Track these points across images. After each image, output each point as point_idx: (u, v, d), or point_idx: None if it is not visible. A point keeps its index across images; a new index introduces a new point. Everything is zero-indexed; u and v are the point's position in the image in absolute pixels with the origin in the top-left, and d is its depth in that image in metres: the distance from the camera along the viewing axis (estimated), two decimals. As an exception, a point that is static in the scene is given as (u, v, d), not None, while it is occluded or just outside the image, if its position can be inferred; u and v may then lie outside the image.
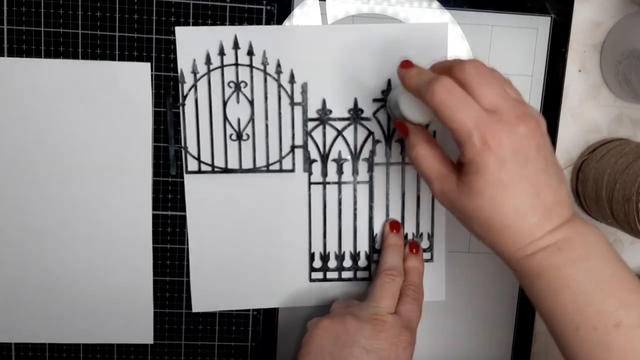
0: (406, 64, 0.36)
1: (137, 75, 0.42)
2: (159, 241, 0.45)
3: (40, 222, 0.44)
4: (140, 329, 0.46)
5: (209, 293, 0.46)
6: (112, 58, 0.42)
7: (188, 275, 0.45)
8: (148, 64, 0.42)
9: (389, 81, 0.44)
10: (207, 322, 0.46)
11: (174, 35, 0.42)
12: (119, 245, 0.44)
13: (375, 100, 0.44)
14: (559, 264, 0.32)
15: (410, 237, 0.46)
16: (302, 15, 0.43)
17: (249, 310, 0.46)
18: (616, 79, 0.44)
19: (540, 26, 0.44)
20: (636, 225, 0.40)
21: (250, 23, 0.43)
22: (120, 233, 0.44)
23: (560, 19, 0.44)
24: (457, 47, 0.44)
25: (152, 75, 0.43)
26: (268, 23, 0.43)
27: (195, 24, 0.42)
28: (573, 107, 0.46)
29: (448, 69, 0.34)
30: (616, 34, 0.44)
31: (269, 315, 0.47)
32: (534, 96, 0.45)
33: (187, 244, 0.45)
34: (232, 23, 0.43)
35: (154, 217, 0.44)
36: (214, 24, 0.42)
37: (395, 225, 0.45)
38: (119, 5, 0.42)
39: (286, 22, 0.43)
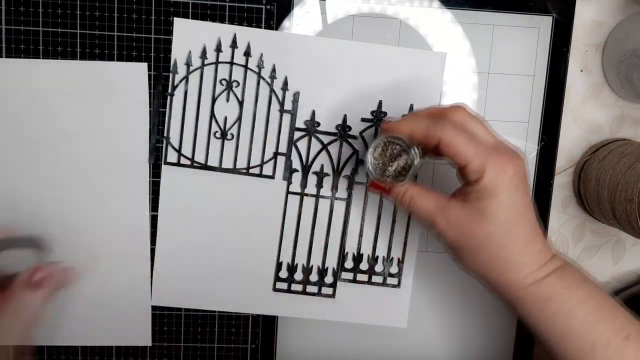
0: (390, 122, 0.37)
1: (134, 76, 0.42)
2: (157, 242, 0.45)
3: (37, 223, 0.43)
4: (138, 331, 0.45)
5: (171, 288, 0.45)
6: (110, 58, 0.42)
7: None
8: (145, 64, 0.42)
9: (380, 102, 0.43)
10: (207, 324, 0.46)
11: (172, 26, 0.42)
12: (117, 247, 0.44)
13: (363, 119, 0.44)
14: (568, 284, 0.34)
15: (380, 260, 0.45)
16: (302, 15, 0.43)
17: (248, 312, 0.46)
18: (618, 79, 0.44)
19: (541, 26, 0.44)
20: (638, 226, 0.40)
21: (250, 22, 0.42)
22: (118, 234, 0.44)
23: (562, 19, 0.44)
24: (459, 47, 0.44)
25: (149, 75, 0.42)
26: (267, 23, 0.43)
27: (194, 23, 0.42)
28: (575, 107, 0.46)
29: (439, 115, 0.35)
30: (618, 34, 0.44)
31: (269, 317, 0.46)
32: (535, 96, 0.45)
33: (156, 236, 0.44)
34: (231, 22, 0.42)
35: (152, 218, 0.44)
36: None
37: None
38: (117, 5, 0.42)
39: (285, 22, 0.43)
